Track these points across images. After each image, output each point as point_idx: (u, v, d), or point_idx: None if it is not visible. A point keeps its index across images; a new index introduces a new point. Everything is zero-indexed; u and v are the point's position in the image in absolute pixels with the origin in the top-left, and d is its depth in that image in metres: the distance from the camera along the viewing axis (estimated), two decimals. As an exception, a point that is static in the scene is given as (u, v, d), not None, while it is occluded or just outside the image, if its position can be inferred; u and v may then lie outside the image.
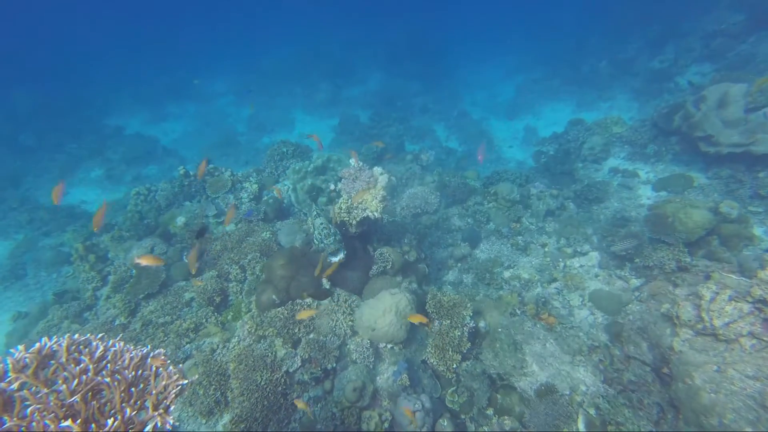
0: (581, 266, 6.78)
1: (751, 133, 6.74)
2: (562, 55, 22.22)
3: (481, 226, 8.12)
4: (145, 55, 36.32)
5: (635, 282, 6.32)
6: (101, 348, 2.46)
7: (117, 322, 7.08)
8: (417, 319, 5.11)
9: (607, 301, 6.16)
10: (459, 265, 7.80)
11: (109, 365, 2.37)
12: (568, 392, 5.09)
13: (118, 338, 2.68)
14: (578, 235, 7.14)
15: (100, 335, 2.57)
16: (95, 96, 28.11)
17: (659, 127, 8.63)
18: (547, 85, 20.80)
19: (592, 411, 4.87)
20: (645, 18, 15.85)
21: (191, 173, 9.02)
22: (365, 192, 6.30)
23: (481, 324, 6.02)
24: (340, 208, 6.23)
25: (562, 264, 6.97)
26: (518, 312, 6.15)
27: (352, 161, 6.49)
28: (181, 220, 8.18)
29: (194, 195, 9.09)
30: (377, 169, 6.51)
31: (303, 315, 5.43)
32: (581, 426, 4.75)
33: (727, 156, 7.13)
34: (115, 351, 2.48)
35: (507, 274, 7.09)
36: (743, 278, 4.74)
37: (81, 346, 2.47)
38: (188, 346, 6.45)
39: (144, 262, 4.91)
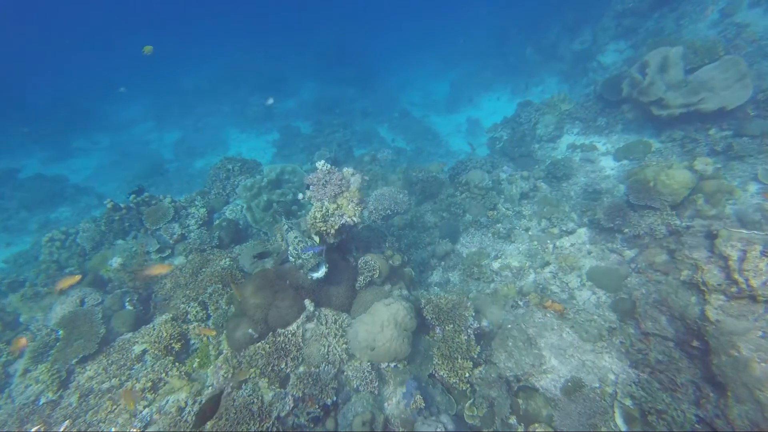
0: (572, 245, 6.65)
1: (694, 93, 7.23)
2: (487, 48, 23.33)
3: (458, 219, 7.82)
4: (32, 86, 31.81)
5: (629, 253, 6.20)
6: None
7: (43, 400, 5.60)
8: None
9: (606, 277, 5.96)
10: (442, 263, 7.40)
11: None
12: (597, 384, 4.67)
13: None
14: (559, 214, 7.07)
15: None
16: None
17: (604, 99, 9.07)
18: (480, 78, 21.63)
19: (628, 402, 4.45)
20: (559, 4, 16.95)
21: (122, 206, 7.63)
22: (339, 196, 5.65)
23: (484, 323, 5.62)
24: (314, 218, 5.49)
25: (551, 246, 6.82)
26: (520, 303, 5.84)
27: (318, 164, 5.80)
28: (116, 261, 6.82)
29: (128, 231, 7.69)
30: (348, 170, 5.88)
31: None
32: (619, 420, 4.32)
33: (679, 117, 7.58)
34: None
35: (496, 265, 6.80)
36: (756, 232, 4.56)
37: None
38: (147, 410, 5.24)
39: None
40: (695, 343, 4.56)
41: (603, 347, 4.84)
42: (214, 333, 5.39)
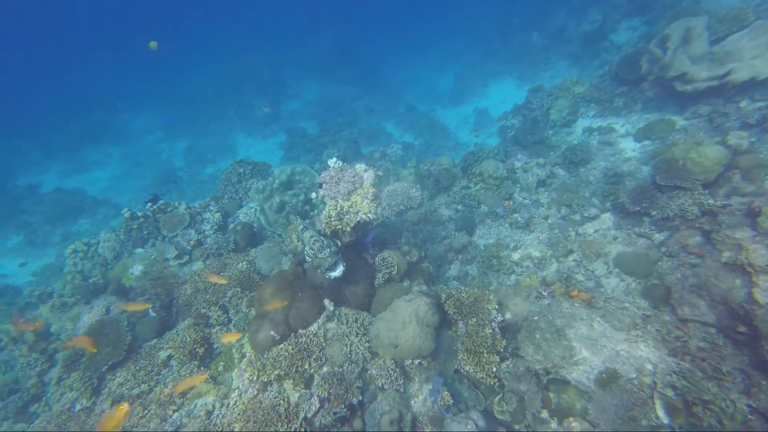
0: (596, 231, 6.43)
1: (721, 64, 6.93)
2: (490, 38, 22.96)
3: (473, 211, 7.71)
4: (48, 101, 32.53)
5: (659, 237, 5.94)
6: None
7: (77, 407, 5.74)
8: None
9: (635, 263, 5.71)
10: (460, 257, 7.31)
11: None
12: (634, 375, 4.44)
13: None
14: (579, 200, 6.90)
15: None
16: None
17: (621, 78, 8.80)
18: (485, 68, 21.32)
19: (669, 392, 4.19)
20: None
21: (139, 214, 7.74)
22: (353, 193, 5.63)
23: (507, 315, 5.53)
24: (330, 216, 5.47)
25: (573, 233, 6.62)
26: (544, 294, 5.72)
27: (331, 162, 5.77)
28: (137, 269, 6.93)
29: (146, 239, 7.81)
30: (360, 166, 5.85)
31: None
32: (661, 413, 4.08)
33: (705, 92, 7.28)
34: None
35: (516, 255, 6.67)
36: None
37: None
38: (176, 414, 5.32)
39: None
40: (741, 329, 4.31)
41: (638, 336, 4.65)
42: (239, 336, 5.41)
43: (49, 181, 22.34)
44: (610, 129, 8.40)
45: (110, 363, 5.82)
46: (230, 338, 5.21)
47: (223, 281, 5.15)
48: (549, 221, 7.04)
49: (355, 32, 30.09)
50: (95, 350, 5.59)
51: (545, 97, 9.57)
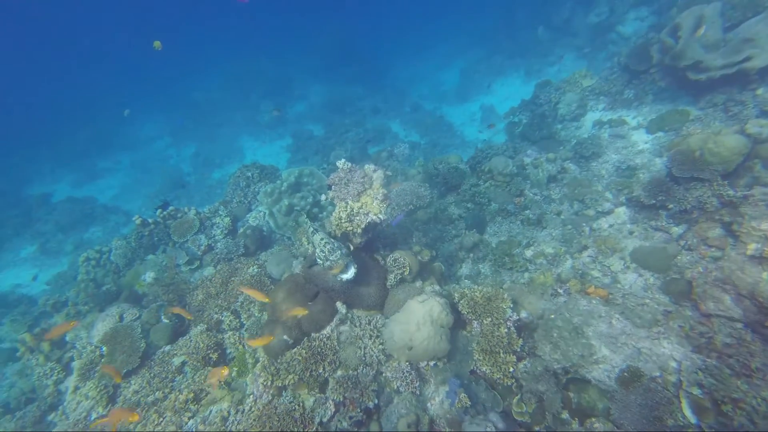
0: (611, 226, 6.28)
1: (736, 51, 6.72)
2: (495, 33, 22.71)
3: (483, 209, 7.59)
4: (56, 110, 33.00)
5: (677, 230, 5.76)
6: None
7: (94, 415, 5.77)
8: None
9: (652, 257, 5.54)
10: (471, 255, 7.20)
11: None
12: (658, 373, 4.32)
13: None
14: (593, 195, 6.75)
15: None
16: (7, 166, 24.95)
17: (631, 69, 8.60)
18: (490, 64, 21.08)
19: (695, 391, 4.07)
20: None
21: (149, 221, 7.77)
22: (362, 194, 5.56)
23: (523, 314, 5.42)
24: (340, 218, 5.42)
25: (587, 228, 6.48)
26: (560, 291, 5.59)
27: (339, 163, 5.71)
28: (149, 276, 6.95)
29: (157, 245, 7.83)
30: (369, 167, 5.78)
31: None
32: (688, 412, 3.95)
33: (719, 80, 7.07)
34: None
35: (529, 253, 6.54)
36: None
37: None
38: (192, 421, 5.32)
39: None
40: None
41: (659, 332, 4.51)
42: (270, 339, 5.20)
43: (62, 190, 22.65)
44: (621, 121, 8.20)
45: (125, 370, 5.83)
46: (258, 342, 5.13)
47: (264, 299, 5.03)
48: (562, 217, 6.90)
49: (358, 31, 30.06)
50: (120, 380, 5.68)
51: (553, 91, 9.40)
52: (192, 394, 5.42)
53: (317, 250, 5.33)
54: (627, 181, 6.62)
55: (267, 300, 5.10)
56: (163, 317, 6.33)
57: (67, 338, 6.80)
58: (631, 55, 8.66)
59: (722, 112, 7.12)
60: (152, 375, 5.83)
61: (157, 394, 5.61)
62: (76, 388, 6.06)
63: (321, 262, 5.34)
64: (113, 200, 20.99)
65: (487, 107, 18.23)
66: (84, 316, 7.02)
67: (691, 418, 3.91)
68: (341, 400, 4.82)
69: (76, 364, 6.27)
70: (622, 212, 6.34)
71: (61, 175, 24.48)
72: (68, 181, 23.97)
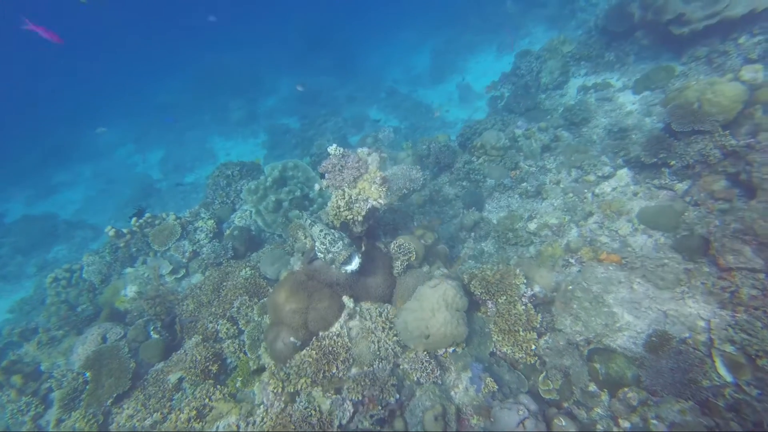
0: (613, 189, 6.13)
1: (714, 1, 6.65)
2: (464, 11, 22.41)
3: (479, 186, 7.35)
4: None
5: (681, 186, 5.65)
6: None
7: (85, 449, 5.22)
8: None
9: (660, 216, 5.42)
10: (472, 234, 6.97)
11: None
12: (687, 334, 4.17)
13: None
14: (590, 160, 6.60)
15: None
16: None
17: (609, 31, 8.44)
18: (461, 42, 20.82)
19: (728, 348, 3.93)
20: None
21: (124, 231, 7.11)
22: (359, 179, 5.18)
23: (536, 289, 5.23)
24: (338, 206, 5.02)
25: (589, 194, 6.34)
26: (572, 261, 5.42)
27: (331, 149, 5.29)
28: (131, 290, 6.36)
29: (136, 256, 7.20)
30: (362, 150, 5.39)
31: None
32: (723, 371, 3.83)
33: (701, 33, 7.00)
34: None
35: (532, 225, 6.35)
36: None
37: None
38: (197, 441, 4.88)
39: None
40: None
41: (683, 292, 4.41)
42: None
43: (15, 209, 21.02)
44: (606, 84, 8.10)
45: (115, 395, 5.30)
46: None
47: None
48: (561, 186, 6.75)
49: (325, 20, 29.04)
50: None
51: (534, 60, 9.20)
52: (194, 412, 4.96)
53: (317, 243, 4.93)
54: (622, 143, 6.52)
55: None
56: (152, 332, 5.79)
57: (42, 368, 6.16)
58: (608, 17, 8.51)
59: (706, 65, 7.11)
60: (147, 396, 5.33)
61: (155, 416, 5.13)
62: (59, 420, 5.47)
63: (322, 255, 4.95)
64: (77, 215, 19.63)
65: (463, 86, 17.99)
66: (60, 342, 6.37)
67: (727, 377, 3.81)
68: (360, 399, 4.50)
69: (56, 395, 5.66)
70: (624, 174, 6.23)
71: (11, 194, 22.70)
72: (20, 199, 22.28)
